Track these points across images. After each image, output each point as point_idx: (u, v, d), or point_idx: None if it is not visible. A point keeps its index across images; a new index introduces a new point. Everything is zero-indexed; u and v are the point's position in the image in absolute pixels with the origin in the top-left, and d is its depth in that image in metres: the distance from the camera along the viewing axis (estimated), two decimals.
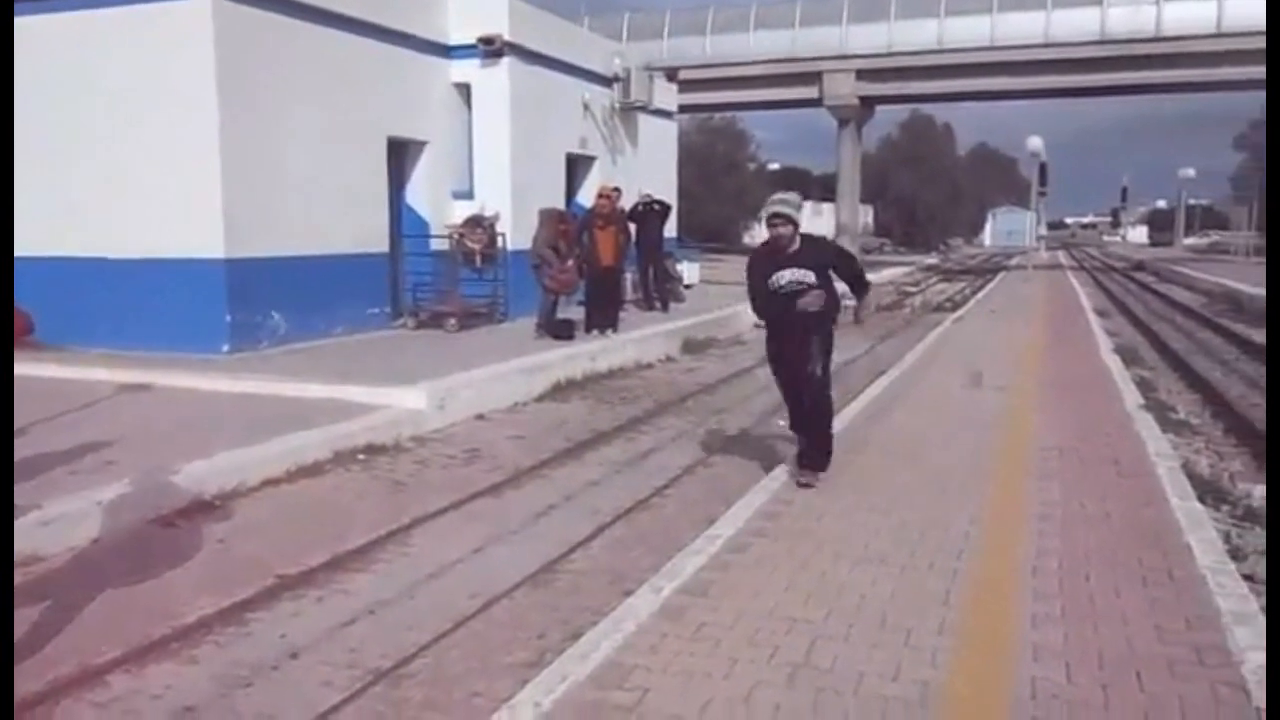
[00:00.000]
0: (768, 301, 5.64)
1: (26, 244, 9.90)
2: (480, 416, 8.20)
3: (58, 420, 6.97)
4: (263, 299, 10.06)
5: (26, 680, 3.49)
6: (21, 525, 4.69)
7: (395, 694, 3.48)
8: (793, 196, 5.64)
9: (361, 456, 6.76)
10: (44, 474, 5.50)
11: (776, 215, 5.45)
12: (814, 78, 33.09)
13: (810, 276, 5.46)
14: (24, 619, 3.99)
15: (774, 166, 60.20)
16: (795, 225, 5.49)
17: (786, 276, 5.48)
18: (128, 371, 8.64)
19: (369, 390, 7.89)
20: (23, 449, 5.88)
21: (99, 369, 8.75)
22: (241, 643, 3.91)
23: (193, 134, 9.56)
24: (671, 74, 21.17)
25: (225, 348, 9.71)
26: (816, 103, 34.00)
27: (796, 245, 5.50)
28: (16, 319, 3.44)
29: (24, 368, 7.90)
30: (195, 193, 9.58)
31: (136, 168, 9.74)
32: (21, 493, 5.00)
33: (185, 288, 9.72)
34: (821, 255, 5.62)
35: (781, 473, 5.90)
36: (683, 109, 21.80)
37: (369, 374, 8.47)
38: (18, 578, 4.44)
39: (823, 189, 59.22)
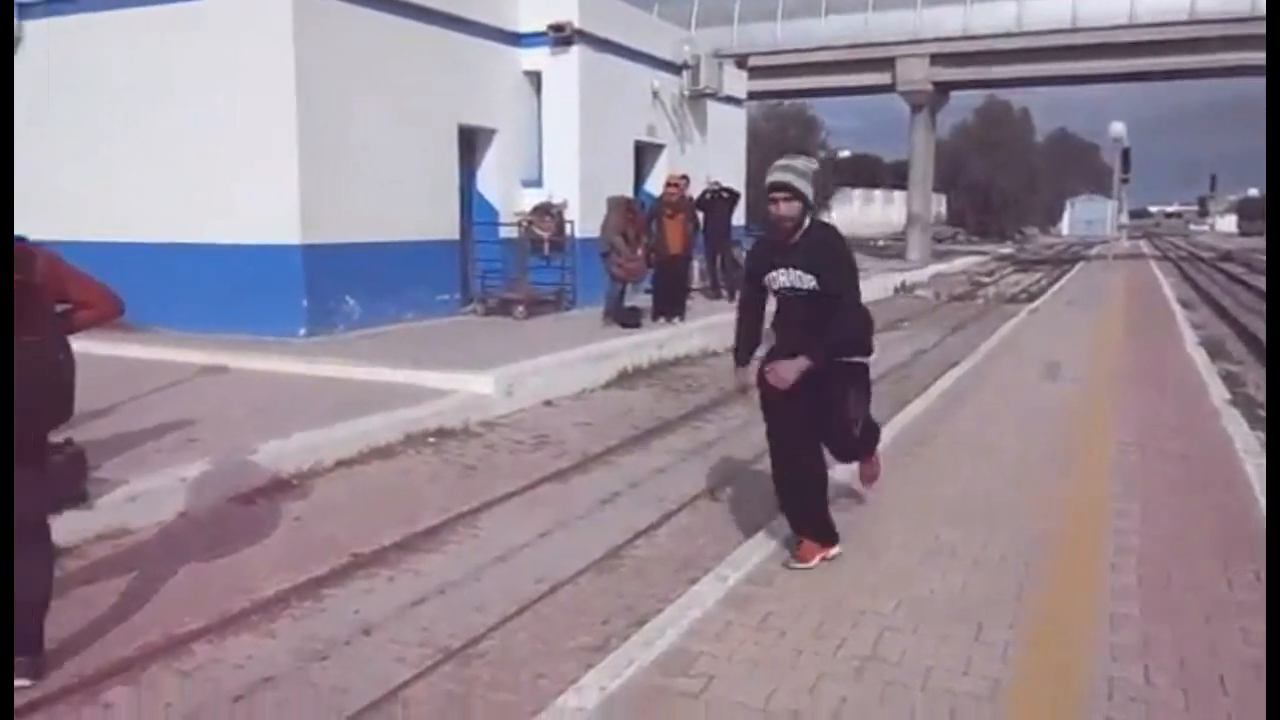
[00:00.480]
0: (752, 305, 4.32)
1: (116, 229, 10.29)
2: (548, 403, 8.28)
3: (143, 399, 7.22)
4: (338, 284, 10.28)
5: (116, 647, 3.64)
6: (111, 500, 4.90)
7: (465, 673, 3.54)
8: (801, 161, 4.09)
9: (431, 440, 6.88)
10: (131, 450, 5.71)
11: (778, 186, 3.95)
12: (887, 63, 32.50)
13: (810, 281, 3.98)
14: (113, 589, 4.16)
15: (844, 154, 59.41)
16: (804, 203, 3.97)
17: (781, 279, 4.06)
18: (209, 353, 8.90)
19: (439, 375, 8.02)
20: (110, 426, 6.11)
21: (182, 351, 9.03)
22: (317, 618, 4.01)
23: (271, 122, 9.79)
24: (741, 60, 21.02)
25: (302, 331, 9.95)
26: (889, 89, 33.42)
27: (801, 233, 4.02)
28: (109, 301, 3.56)
29: (112, 348, 8.20)
30: (274, 180, 9.82)
31: (219, 156, 10.00)
32: (110, 468, 5.22)
33: (264, 272, 9.97)
34: (831, 253, 4.03)
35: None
36: (752, 96, 21.63)
37: (439, 359, 8.60)
38: (109, 549, 4.63)
39: (894, 177, 58.31)
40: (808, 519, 4.26)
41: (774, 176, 3.98)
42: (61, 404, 3.32)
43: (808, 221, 4.03)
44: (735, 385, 4.47)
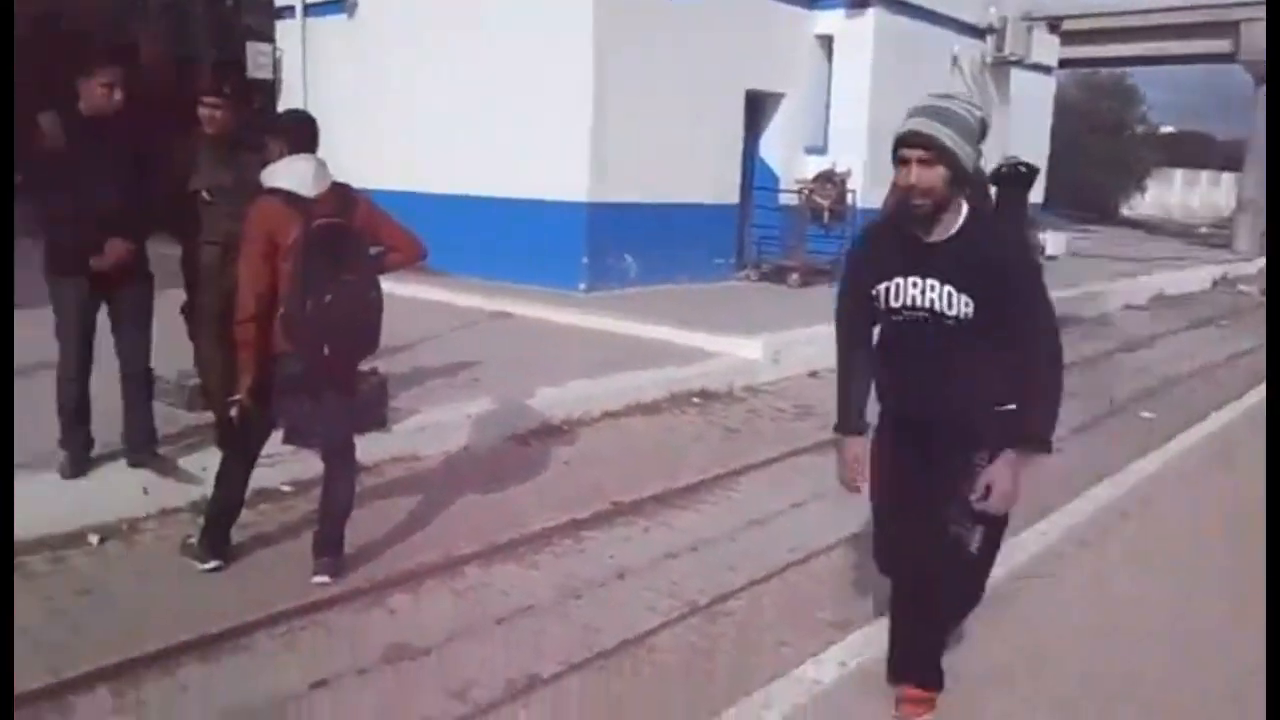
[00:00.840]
0: (859, 332, 2.85)
1: (423, 182, 11.16)
2: (813, 374, 8.17)
3: (436, 339, 7.87)
4: (618, 243, 10.66)
5: (401, 559, 4.02)
6: (405, 427, 5.40)
7: (710, 628, 3.60)
8: (958, 104, 2.58)
9: (696, 400, 7.01)
10: (423, 384, 6.25)
11: (911, 139, 2.53)
12: (1229, 28, 28.81)
13: (963, 303, 2.57)
14: (402, 508, 4.59)
15: (1167, 129, 53.66)
16: (954, 171, 2.52)
17: (911, 292, 2.64)
18: (497, 301, 9.55)
19: (708, 337, 8.14)
20: (407, 361, 6.71)
21: (473, 296, 9.75)
22: (576, 557, 4.22)
23: (567, 82, 10.24)
24: (1054, 24, 19.45)
25: (581, 286, 10.42)
26: (1228, 58, 29.67)
27: (958, 225, 2.59)
28: (415, 246, 3.90)
29: (415, 290, 8.98)
30: (566, 138, 10.29)
31: (515, 114, 10.60)
32: (405, 399, 5.75)
33: (550, 227, 10.52)
34: (1004, 259, 2.60)
35: (1136, 469, 5.34)
36: (1064, 64, 20.00)
37: (709, 322, 8.72)
38: (401, 471, 5.12)
39: (1224, 158, 52.02)
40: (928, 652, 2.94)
41: (908, 124, 2.54)
42: (371, 338, 3.69)
43: (965, 210, 2.58)
44: (841, 472, 2.92)
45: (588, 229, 10.40)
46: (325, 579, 3.72)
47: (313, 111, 3.97)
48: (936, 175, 2.50)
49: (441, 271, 9.89)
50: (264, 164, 3.74)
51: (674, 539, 4.48)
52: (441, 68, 11.26)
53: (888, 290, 2.67)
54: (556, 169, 10.42)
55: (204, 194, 4.61)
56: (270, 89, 13.27)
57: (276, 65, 13.33)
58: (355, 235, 3.64)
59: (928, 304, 2.60)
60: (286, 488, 4.66)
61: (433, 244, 4.05)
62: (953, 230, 2.58)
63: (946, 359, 2.61)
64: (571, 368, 7.01)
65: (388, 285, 3.71)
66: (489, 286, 10.18)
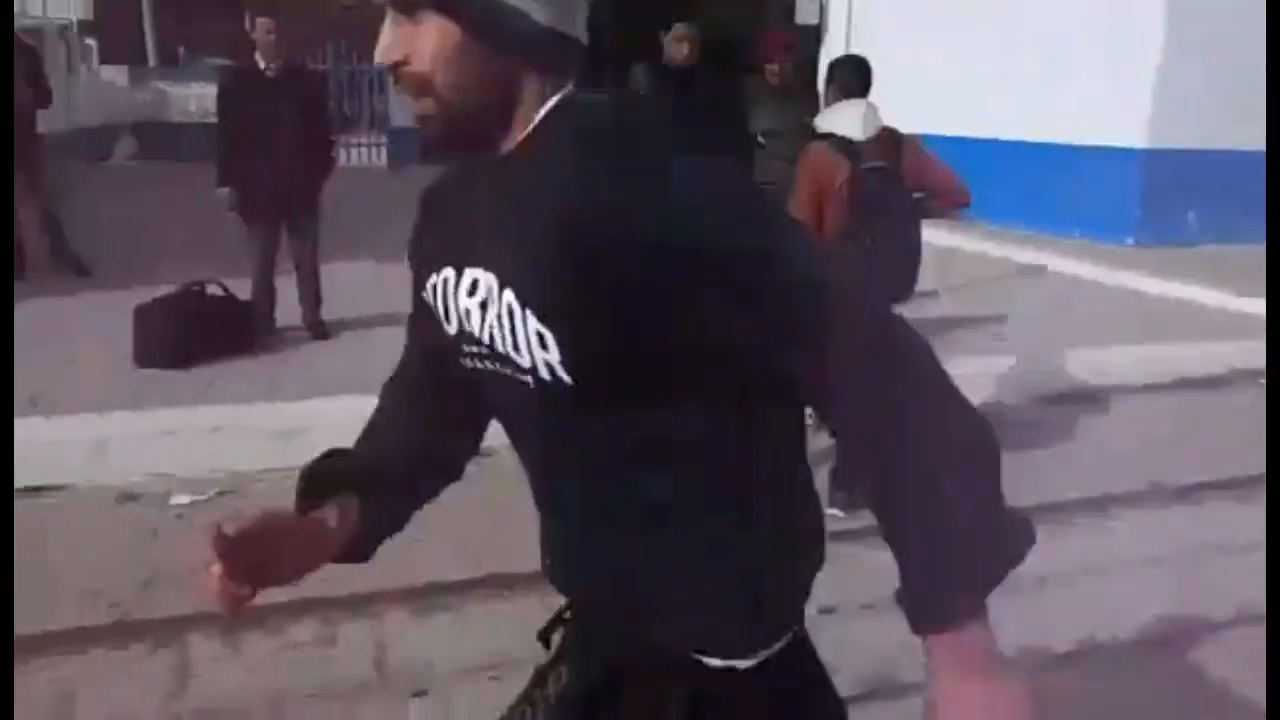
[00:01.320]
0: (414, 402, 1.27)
1: (966, 126, 10.76)
2: None
3: (964, 289, 7.69)
4: (1179, 194, 9.45)
5: None
6: None
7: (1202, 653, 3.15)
8: None
9: (1261, 381, 6.06)
10: (947, 335, 6.15)
11: None
12: None
13: (534, 337, 0.97)
14: None
15: None
16: (471, 19, 0.95)
17: (464, 303, 1.06)
18: (1028, 252, 9.05)
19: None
20: (934, 310, 6.65)
21: (1002, 245, 9.33)
22: (1101, 534, 3.93)
23: (1133, 12, 9.17)
24: None
25: (1130, 240, 9.45)
26: None
27: (521, 136, 1.02)
28: (957, 192, 3.79)
29: (947, 237, 8.81)
30: (1125, 75, 9.27)
31: (1069, 50, 9.73)
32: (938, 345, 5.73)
33: (1097, 174, 9.61)
34: (592, 214, 0.94)
35: None
36: None
37: None
38: None
39: None
40: None
41: None
42: (907, 283, 3.73)
43: (549, 105, 1.02)
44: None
45: (1144, 178, 9.35)
46: (838, 513, 3.87)
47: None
48: (430, 41, 0.98)
49: (975, 218, 9.57)
50: (815, 109, 3.91)
51: (1206, 535, 3.95)
52: (989, 5, 10.72)
53: (435, 302, 1.14)
54: (1112, 110, 9.46)
55: (758, 138, 4.96)
56: (815, 33, 13.70)
57: (823, 10, 13.72)
58: (899, 181, 3.66)
59: (487, 335, 1.05)
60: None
61: (977, 191, 3.94)
62: (509, 149, 1.04)
63: (569, 489, 1.13)
64: (1111, 330, 6.45)
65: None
66: (1019, 235, 9.65)
